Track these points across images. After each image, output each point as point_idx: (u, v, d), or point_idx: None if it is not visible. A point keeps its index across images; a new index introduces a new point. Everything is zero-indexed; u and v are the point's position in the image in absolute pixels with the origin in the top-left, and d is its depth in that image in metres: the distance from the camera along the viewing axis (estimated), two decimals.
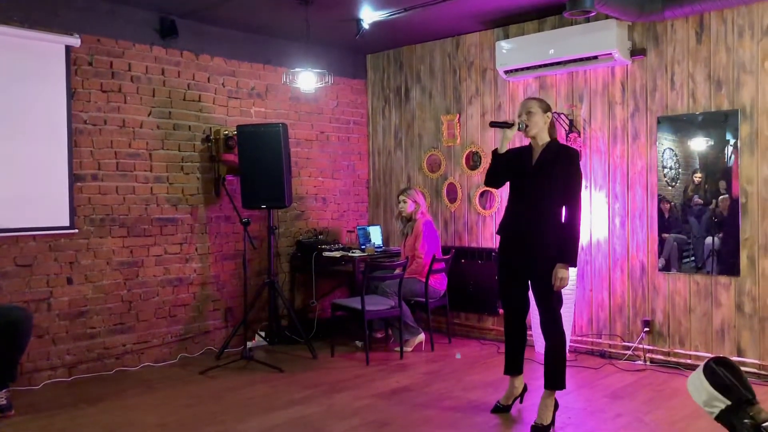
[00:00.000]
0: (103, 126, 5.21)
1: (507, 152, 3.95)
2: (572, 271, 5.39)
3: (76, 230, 5.03)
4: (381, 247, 6.72)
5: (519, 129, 3.92)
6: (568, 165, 3.86)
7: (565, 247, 3.80)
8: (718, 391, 2.27)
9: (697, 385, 2.34)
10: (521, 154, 4.00)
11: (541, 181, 3.86)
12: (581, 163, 5.55)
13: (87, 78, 5.12)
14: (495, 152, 3.97)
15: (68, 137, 4.97)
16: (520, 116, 3.94)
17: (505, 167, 3.97)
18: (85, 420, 4.10)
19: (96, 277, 5.16)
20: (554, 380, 3.86)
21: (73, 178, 5.01)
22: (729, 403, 2.25)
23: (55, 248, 4.94)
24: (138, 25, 5.41)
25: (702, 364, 2.41)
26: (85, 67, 5.11)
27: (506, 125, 3.92)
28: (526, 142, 4.08)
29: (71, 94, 5.00)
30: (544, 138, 3.93)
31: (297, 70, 5.53)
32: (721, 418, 2.28)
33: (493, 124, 4.07)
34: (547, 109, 3.95)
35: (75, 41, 4.97)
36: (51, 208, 4.90)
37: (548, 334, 3.89)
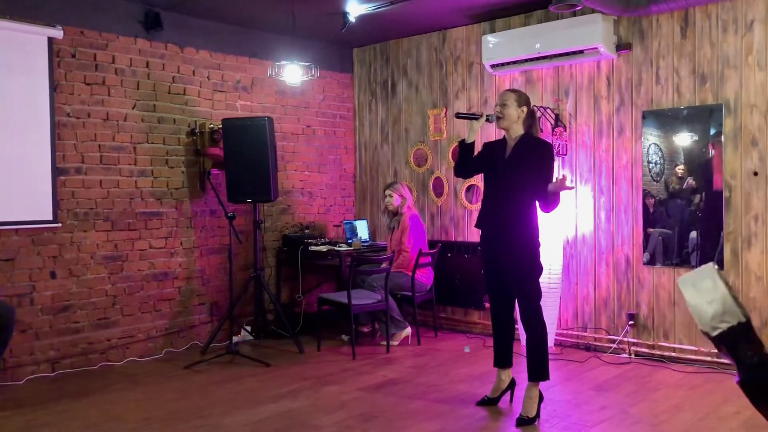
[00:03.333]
0: (86, 119, 5.16)
1: (483, 145, 4.00)
2: (557, 265, 5.44)
3: (60, 224, 4.99)
4: (367, 241, 6.71)
5: (488, 121, 3.96)
6: (542, 158, 3.88)
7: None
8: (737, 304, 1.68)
9: (709, 287, 1.74)
10: (495, 146, 4.04)
11: (514, 174, 3.88)
12: (567, 157, 5.61)
13: (70, 70, 5.06)
14: (462, 142, 4.00)
15: (51, 130, 4.91)
16: (495, 107, 3.98)
17: (478, 159, 4.00)
18: (69, 415, 4.07)
19: (80, 271, 5.11)
20: (537, 372, 3.88)
21: (57, 171, 4.96)
22: (744, 320, 1.72)
23: (38, 242, 4.90)
24: (122, 17, 5.36)
25: (706, 265, 1.81)
26: (68, 59, 5.05)
27: (473, 117, 3.98)
28: (503, 134, 4.09)
29: (54, 87, 4.94)
30: (518, 131, 3.95)
31: (283, 63, 5.51)
32: (726, 337, 1.71)
33: (459, 116, 4.09)
34: (523, 102, 3.95)
35: (58, 33, 4.91)
36: (34, 202, 4.85)
37: (529, 326, 3.92)
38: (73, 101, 5.08)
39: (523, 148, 3.91)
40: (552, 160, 3.93)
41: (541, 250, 3.95)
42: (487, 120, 3.97)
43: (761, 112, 4.73)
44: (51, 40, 4.90)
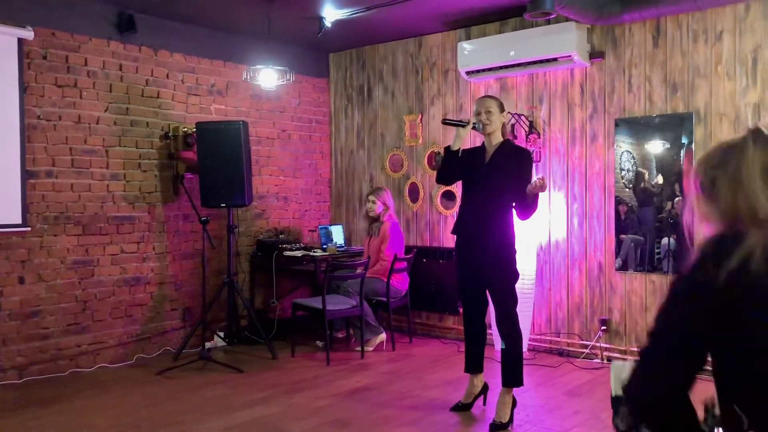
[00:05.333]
0: (57, 121, 5.08)
1: (461, 152, 3.98)
2: (531, 271, 5.48)
3: (29, 228, 4.90)
4: (343, 246, 6.69)
5: (475, 128, 3.95)
6: (522, 165, 3.92)
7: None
8: None
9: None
10: (474, 153, 4.05)
11: (493, 180, 3.90)
12: (540, 164, 5.65)
13: (41, 72, 4.99)
14: (448, 149, 3.99)
15: (21, 132, 4.83)
16: (478, 115, 3.95)
17: (458, 166, 3.99)
18: (37, 423, 3.99)
19: (49, 276, 5.03)
20: (512, 378, 3.90)
21: (26, 174, 4.88)
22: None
23: (6, 246, 4.80)
24: (95, 19, 5.30)
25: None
26: (39, 60, 4.97)
27: (460, 124, 3.96)
28: (480, 141, 4.11)
29: (24, 89, 4.86)
30: (498, 137, 3.98)
31: (258, 67, 5.48)
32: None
33: (446, 122, 4.06)
34: (503, 108, 4.00)
35: (28, 34, 4.83)
36: (2, 205, 4.75)
37: (504, 332, 3.93)
38: (43, 103, 5.01)
39: (503, 155, 3.93)
40: (531, 168, 3.96)
41: (517, 256, 3.98)
42: (474, 128, 3.95)
43: (730, 120, 4.81)
44: (21, 41, 4.82)
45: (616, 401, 1.64)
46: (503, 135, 3.99)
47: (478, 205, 3.93)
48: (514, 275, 3.93)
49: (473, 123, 3.94)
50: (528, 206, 3.84)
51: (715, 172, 1.45)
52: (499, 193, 3.87)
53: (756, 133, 1.42)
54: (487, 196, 3.90)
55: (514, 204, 3.90)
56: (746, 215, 1.38)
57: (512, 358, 3.91)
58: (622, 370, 1.71)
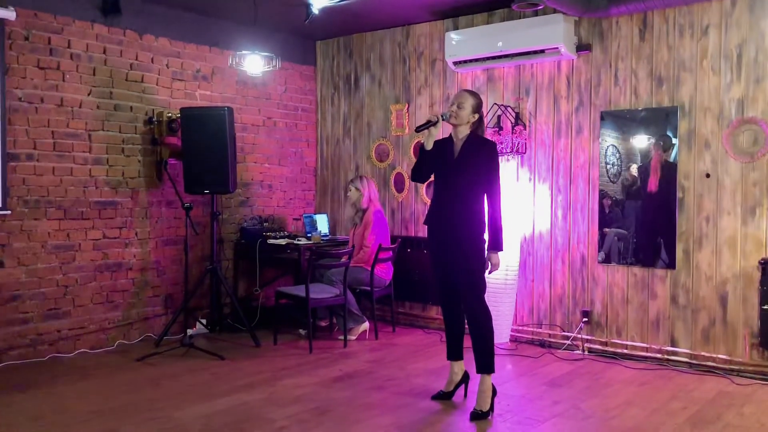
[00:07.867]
0: (39, 104, 5.02)
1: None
2: (514, 262, 5.50)
3: (9, 211, 4.84)
4: (327, 235, 6.68)
5: (443, 119, 4.03)
6: (488, 157, 4.00)
7: (492, 237, 3.98)
8: None
9: None
10: (443, 145, 4.11)
11: (462, 172, 3.98)
12: (525, 155, 5.67)
13: (22, 53, 4.91)
14: (422, 148, 4.06)
15: (1, 115, 4.76)
16: (452, 105, 4.05)
17: (430, 161, 4.07)
18: (14, 408, 3.96)
19: (29, 260, 4.97)
20: (484, 363, 3.93)
21: (7, 157, 4.82)
22: None
23: None
24: (79, 1, 5.22)
25: None
26: (21, 41, 4.90)
27: (431, 124, 4.01)
28: (448, 132, 4.16)
29: (5, 70, 4.79)
30: (465, 131, 4.05)
31: (244, 53, 5.43)
32: None
33: (419, 129, 4.07)
34: (477, 109, 4.03)
35: (10, 14, 4.75)
36: None
37: (474, 319, 3.96)
38: (25, 85, 4.94)
39: (470, 147, 4.01)
40: (497, 158, 4.05)
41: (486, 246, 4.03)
42: (443, 118, 4.03)
43: (714, 115, 4.84)
44: (3, 22, 4.75)
45: None
46: (475, 130, 4.06)
47: (449, 196, 4.02)
48: (484, 263, 3.99)
49: (441, 115, 4.02)
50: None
51: None
52: (469, 185, 3.96)
53: None
54: (457, 188, 3.99)
55: (485, 194, 3.99)
56: None
57: (483, 344, 3.95)
58: None
